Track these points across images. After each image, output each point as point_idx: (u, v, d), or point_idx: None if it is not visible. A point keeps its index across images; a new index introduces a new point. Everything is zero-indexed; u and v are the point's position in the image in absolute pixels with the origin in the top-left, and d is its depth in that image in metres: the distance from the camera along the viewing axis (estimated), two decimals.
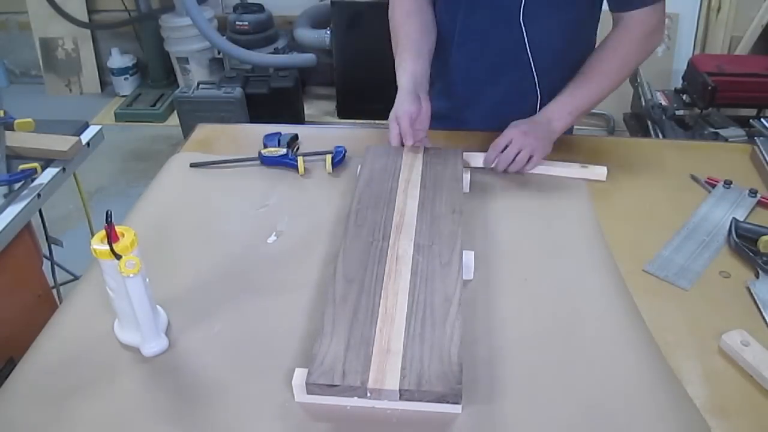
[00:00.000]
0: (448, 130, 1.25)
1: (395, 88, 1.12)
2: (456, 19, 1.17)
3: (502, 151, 1.09)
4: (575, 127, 1.28)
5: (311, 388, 0.68)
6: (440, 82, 1.26)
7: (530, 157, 1.08)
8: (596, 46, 1.15)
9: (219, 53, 3.47)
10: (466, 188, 1.04)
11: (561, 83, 1.13)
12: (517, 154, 1.08)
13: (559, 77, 1.14)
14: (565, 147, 1.18)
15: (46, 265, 1.42)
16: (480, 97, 1.24)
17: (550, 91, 1.15)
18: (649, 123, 2.54)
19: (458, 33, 1.18)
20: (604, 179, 1.09)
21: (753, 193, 1.04)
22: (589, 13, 1.17)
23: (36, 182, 1.21)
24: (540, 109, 1.15)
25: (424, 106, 1.09)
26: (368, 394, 0.67)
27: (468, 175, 1.05)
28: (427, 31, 1.18)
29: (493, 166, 1.10)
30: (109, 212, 0.68)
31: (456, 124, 1.27)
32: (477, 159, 1.12)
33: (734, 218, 0.96)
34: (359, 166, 1.07)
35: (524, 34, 1.12)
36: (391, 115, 1.09)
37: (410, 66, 1.12)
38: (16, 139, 1.25)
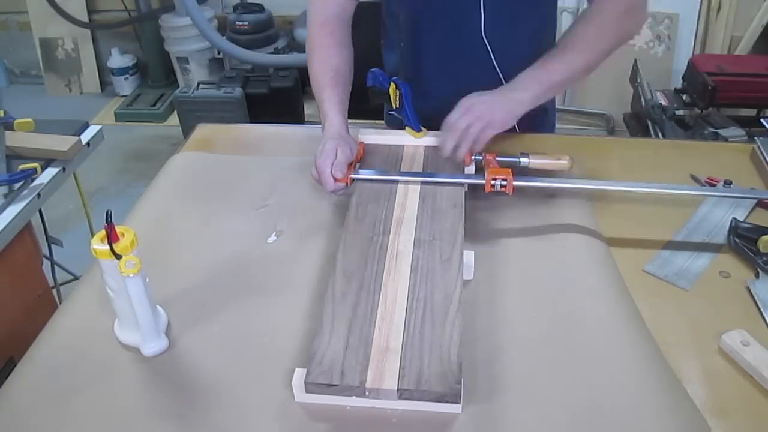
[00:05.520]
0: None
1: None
2: (420, 39, 1.17)
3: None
4: (575, 127, 1.27)
5: (310, 387, 0.68)
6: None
7: (484, 130, 0.97)
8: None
9: (219, 53, 3.47)
10: (465, 187, 1.04)
11: None
12: (468, 128, 0.96)
13: None
14: (565, 147, 1.18)
15: (46, 265, 1.42)
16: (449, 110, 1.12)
17: None
18: (649, 123, 2.54)
19: (424, 52, 1.17)
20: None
21: None
22: (551, 13, 1.17)
23: (36, 182, 1.21)
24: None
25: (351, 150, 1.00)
26: (367, 393, 0.67)
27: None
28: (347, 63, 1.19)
29: (448, 153, 0.99)
30: (109, 212, 0.68)
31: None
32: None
33: (734, 218, 0.96)
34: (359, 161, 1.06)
35: (488, 47, 1.12)
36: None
37: (333, 114, 1.05)
38: (16, 139, 1.25)
